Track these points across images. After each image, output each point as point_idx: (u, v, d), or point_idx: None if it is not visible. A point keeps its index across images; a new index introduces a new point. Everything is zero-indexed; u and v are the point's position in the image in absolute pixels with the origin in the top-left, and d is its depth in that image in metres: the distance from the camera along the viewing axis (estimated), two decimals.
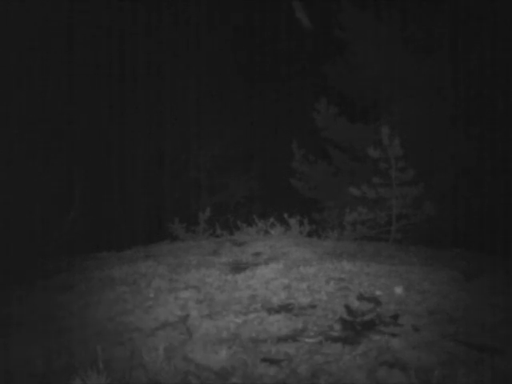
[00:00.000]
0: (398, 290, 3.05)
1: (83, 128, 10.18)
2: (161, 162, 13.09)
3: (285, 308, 2.76)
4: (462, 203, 8.16)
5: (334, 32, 9.00)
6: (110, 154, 11.77)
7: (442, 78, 8.42)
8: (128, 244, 5.82)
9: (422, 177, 6.54)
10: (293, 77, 13.51)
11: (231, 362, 2.06)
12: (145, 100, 12.32)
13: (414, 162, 6.54)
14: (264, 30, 13.09)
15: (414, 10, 8.51)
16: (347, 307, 2.72)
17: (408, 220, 6.61)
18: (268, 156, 13.62)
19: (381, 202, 6.63)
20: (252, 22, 13.12)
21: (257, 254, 4.41)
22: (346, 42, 9.03)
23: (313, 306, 2.79)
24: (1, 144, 7.38)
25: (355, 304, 2.80)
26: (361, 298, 2.90)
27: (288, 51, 13.53)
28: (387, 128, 6.39)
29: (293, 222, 6.03)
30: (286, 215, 6.07)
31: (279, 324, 2.49)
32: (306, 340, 2.26)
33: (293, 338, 2.30)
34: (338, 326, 2.44)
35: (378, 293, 3.03)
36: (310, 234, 6.09)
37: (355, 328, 2.40)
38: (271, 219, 6.13)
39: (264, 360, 2.05)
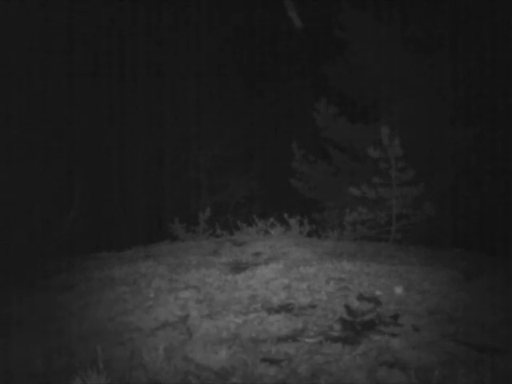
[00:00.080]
0: (398, 289, 3.05)
1: (83, 128, 10.19)
2: (161, 162, 13.10)
3: (285, 308, 2.76)
4: (462, 203, 8.16)
5: (334, 32, 9.01)
6: (110, 154, 11.79)
7: (442, 78, 8.43)
8: (128, 244, 5.83)
9: (422, 177, 6.54)
10: (293, 77, 13.51)
11: (231, 361, 2.05)
12: (145, 100, 12.33)
13: (414, 162, 6.55)
14: (264, 30, 13.10)
15: (414, 10, 8.52)
16: (347, 307, 2.72)
17: (408, 220, 6.61)
18: (268, 156, 13.62)
19: (381, 202, 6.63)
20: (252, 22, 13.13)
21: (257, 254, 4.41)
22: (346, 42, 9.04)
23: (313, 306, 2.79)
24: (1, 144, 7.38)
25: (355, 304, 2.80)
26: (361, 298, 2.90)
27: (288, 51, 13.54)
28: (387, 128, 6.40)
29: (293, 222, 6.03)
30: (286, 215, 6.07)
31: (279, 324, 2.49)
32: (306, 340, 2.26)
33: (293, 337, 2.30)
34: (338, 326, 2.44)
35: (378, 293, 3.03)
36: (310, 234, 6.09)
37: (355, 328, 2.40)
38: (271, 219, 6.12)
39: (264, 360, 2.05)
